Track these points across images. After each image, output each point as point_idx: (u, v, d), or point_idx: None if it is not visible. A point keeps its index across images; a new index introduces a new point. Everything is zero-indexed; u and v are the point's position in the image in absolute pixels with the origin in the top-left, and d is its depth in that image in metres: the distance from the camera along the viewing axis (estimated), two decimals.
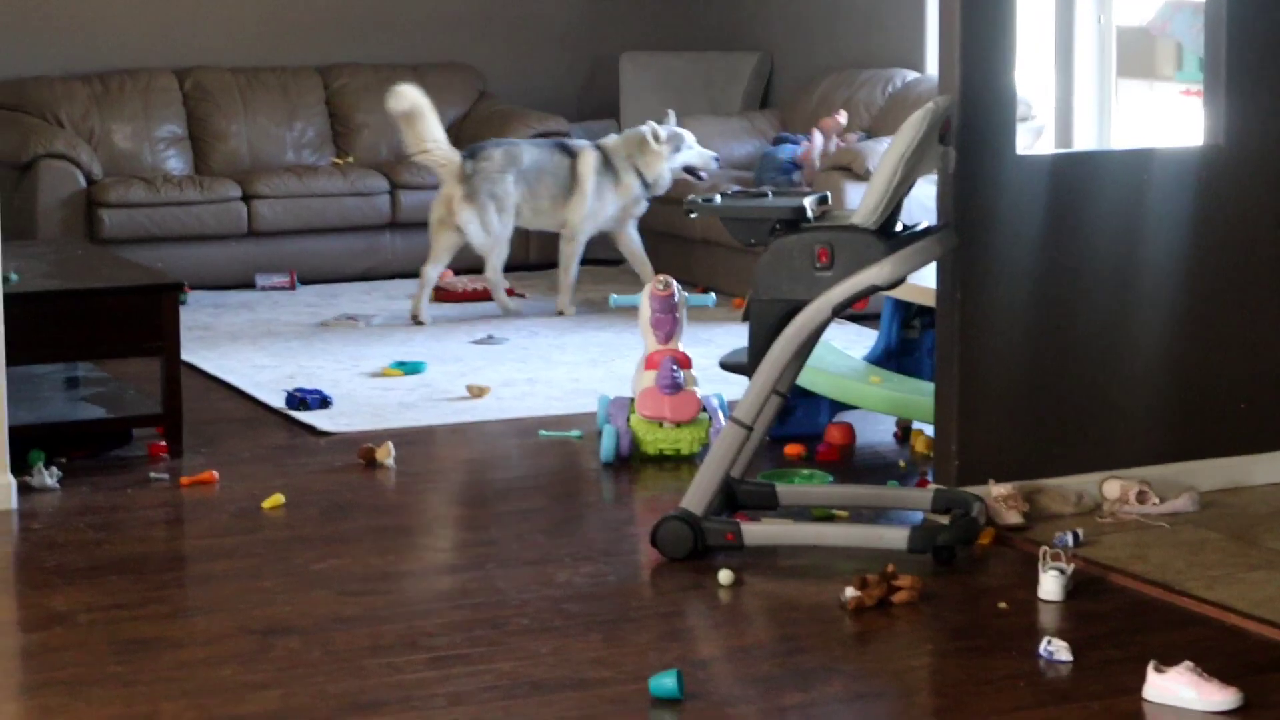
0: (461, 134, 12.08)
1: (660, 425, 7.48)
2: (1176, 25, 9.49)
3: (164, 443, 7.63)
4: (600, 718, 4.92)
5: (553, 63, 13.01)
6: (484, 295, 10.74)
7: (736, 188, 9.53)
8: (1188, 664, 5.01)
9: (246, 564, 6.08)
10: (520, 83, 12.77)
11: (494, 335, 10.00)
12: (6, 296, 6.94)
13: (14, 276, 7.31)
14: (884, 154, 6.34)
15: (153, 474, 7.35)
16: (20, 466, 7.05)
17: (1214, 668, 5.03)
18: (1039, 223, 6.70)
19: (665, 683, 5.01)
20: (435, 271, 10.61)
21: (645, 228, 11.44)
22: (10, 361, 6.91)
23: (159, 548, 6.45)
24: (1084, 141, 9.94)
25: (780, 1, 12.42)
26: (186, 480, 7.20)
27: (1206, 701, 4.93)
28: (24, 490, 7.01)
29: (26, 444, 7.18)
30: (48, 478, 7.17)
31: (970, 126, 6.54)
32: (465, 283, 10.97)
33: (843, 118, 10.91)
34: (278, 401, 8.43)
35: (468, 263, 11.35)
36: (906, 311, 7.92)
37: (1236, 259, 6.96)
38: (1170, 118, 9.60)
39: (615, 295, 9.98)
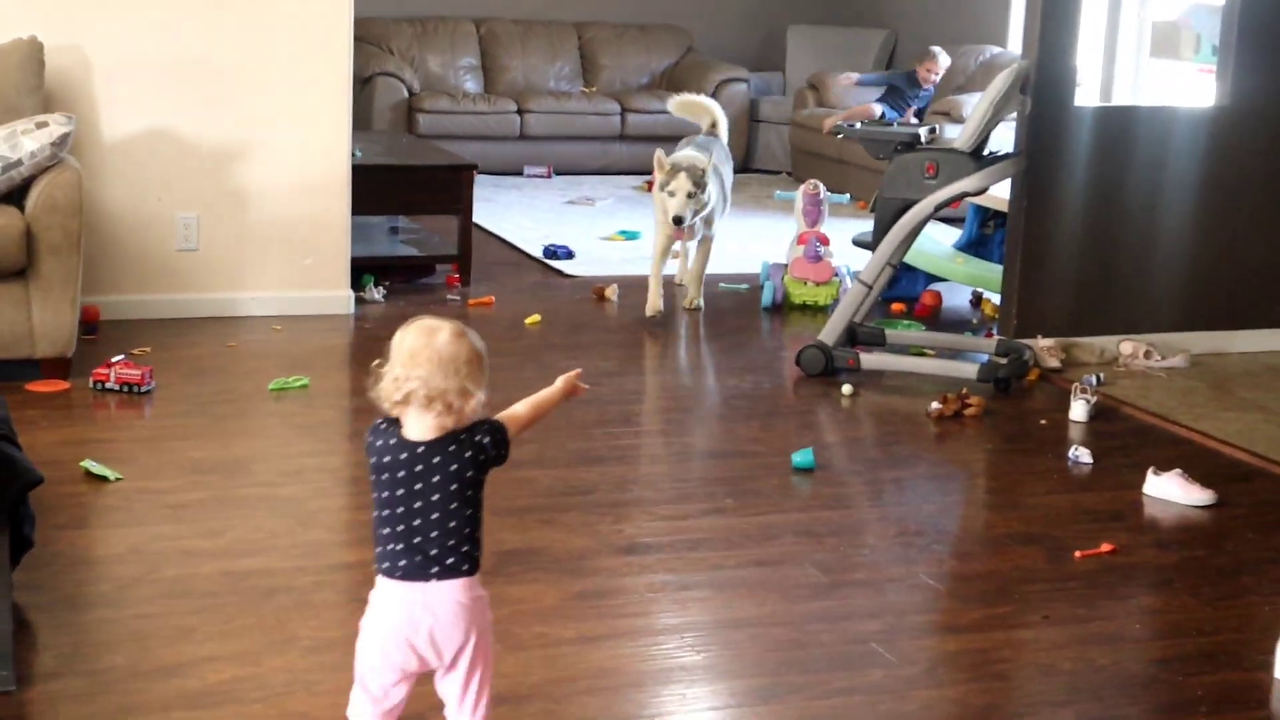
0: (673, 77, 12.02)
1: (805, 284, 7.44)
2: (1197, 20, 9.25)
3: (457, 275, 7.69)
4: (756, 477, 4.93)
5: (741, 29, 12.87)
6: None
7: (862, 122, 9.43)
8: (1177, 471, 4.95)
9: (513, 360, 6.13)
10: (716, 41, 12.65)
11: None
12: (354, 167, 7.00)
13: (358, 153, 7.36)
14: (979, 98, 6.27)
15: (449, 296, 7.41)
16: (357, 285, 7.14)
17: (1196, 475, 4.96)
18: (1087, 154, 6.59)
19: (803, 457, 5.02)
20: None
21: (797, 146, 11.40)
22: (355, 212, 6.98)
23: None
24: (1122, 101, 9.72)
25: None
26: (473, 302, 7.26)
27: (1189, 498, 4.87)
28: (359, 301, 7.10)
29: (361, 270, 7.26)
30: (376, 294, 7.25)
31: (1042, 83, 6.44)
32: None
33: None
34: (537, 252, 8.45)
35: None
36: (985, 214, 7.81)
37: (1231, 187, 6.83)
38: (1188, 89, 9.36)
39: (779, 191, 9.87)
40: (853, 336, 6.41)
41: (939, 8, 11.87)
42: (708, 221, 7.09)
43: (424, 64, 11.59)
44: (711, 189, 6.90)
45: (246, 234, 6.77)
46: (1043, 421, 5.75)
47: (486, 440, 2.80)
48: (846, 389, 5.97)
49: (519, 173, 11.25)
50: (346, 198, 6.91)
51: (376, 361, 2.82)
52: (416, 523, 2.76)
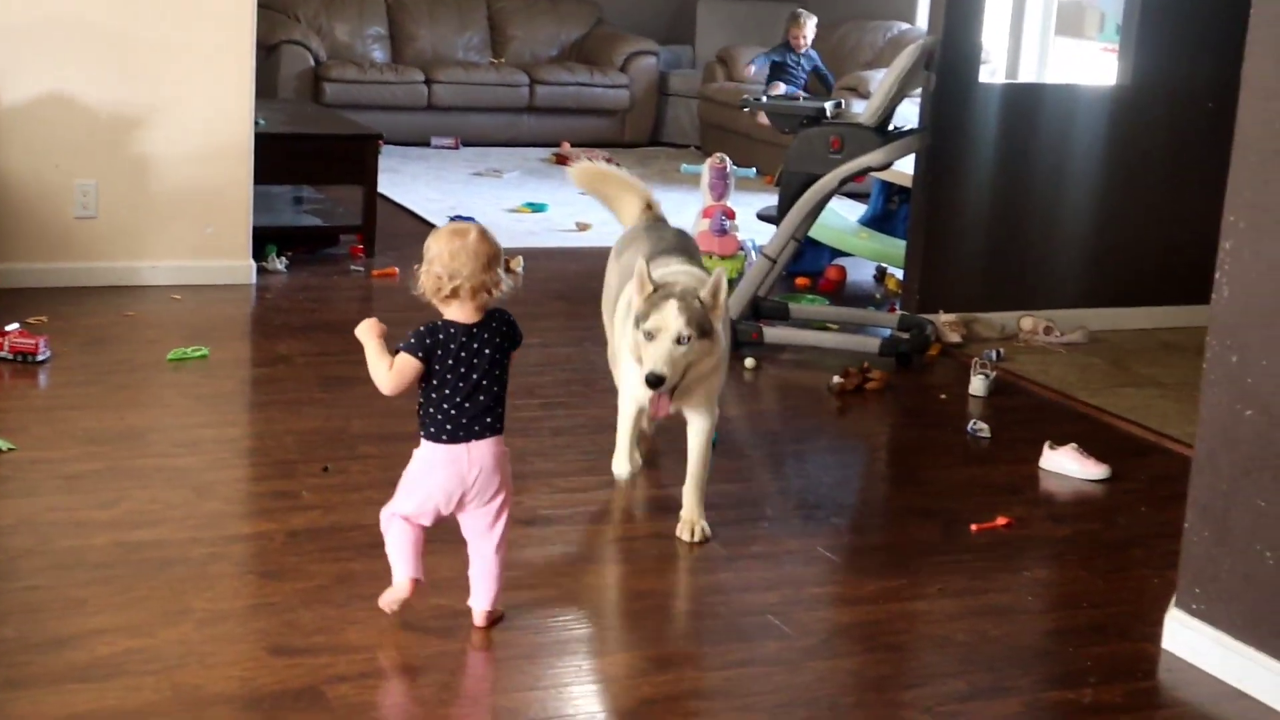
0: (583, 49, 11.99)
1: (710, 257, 7.44)
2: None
3: (361, 246, 7.64)
4: (656, 449, 4.93)
5: (651, 1, 12.85)
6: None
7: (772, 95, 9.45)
8: (1073, 445, 5.01)
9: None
10: (626, 13, 12.62)
11: None
12: (258, 135, 6.93)
13: (262, 121, 7.29)
14: (885, 73, 6.30)
15: (352, 267, 7.37)
16: (259, 255, 7.08)
17: (1092, 450, 5.03)
18: (992, 131, 6.65)
19: None
20: None
21: (706, 120, 11.39)
22: (258, 181, 6.92)
23: (355, 315, 6.43)
24: (1027, 78, 9.80)
25: None
26: (377, 273, 7.22)
27: (1085, 471, 4.93)
28: (261, 272, 7.04)
29: (264, 240, 7.20)
30: (278, 264, 7.20)
31: (947, 59, 6.49)
32: (582, 153, 10.88)
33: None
34: (442, 223, 8.35)
35: (589, 140, 11.32)
36: (889, 189, 7.87)
37: (1132, 165, 6.91)
38: (1093, 68, 9.45)
39: (685, 164, 9.88)
40: (756, 310, 6.44)
41: None
42: (705, 391, 4.23)
43: (331, 32, 11.49)
44: (718, 329, 4.13)
45: (146, 202, 6.69)
46: (943, 396, 5.80)
47: (510, 323, 3.55)
48: (749, 362, 6.00)
49: (426, 143, 11.20)
50: (249, 166, 6.84)
51: (415, 266, 3.50)
52: (471, 391, 3.46)
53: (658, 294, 4.03)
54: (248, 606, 3.70)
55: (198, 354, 5.68)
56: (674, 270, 4.29)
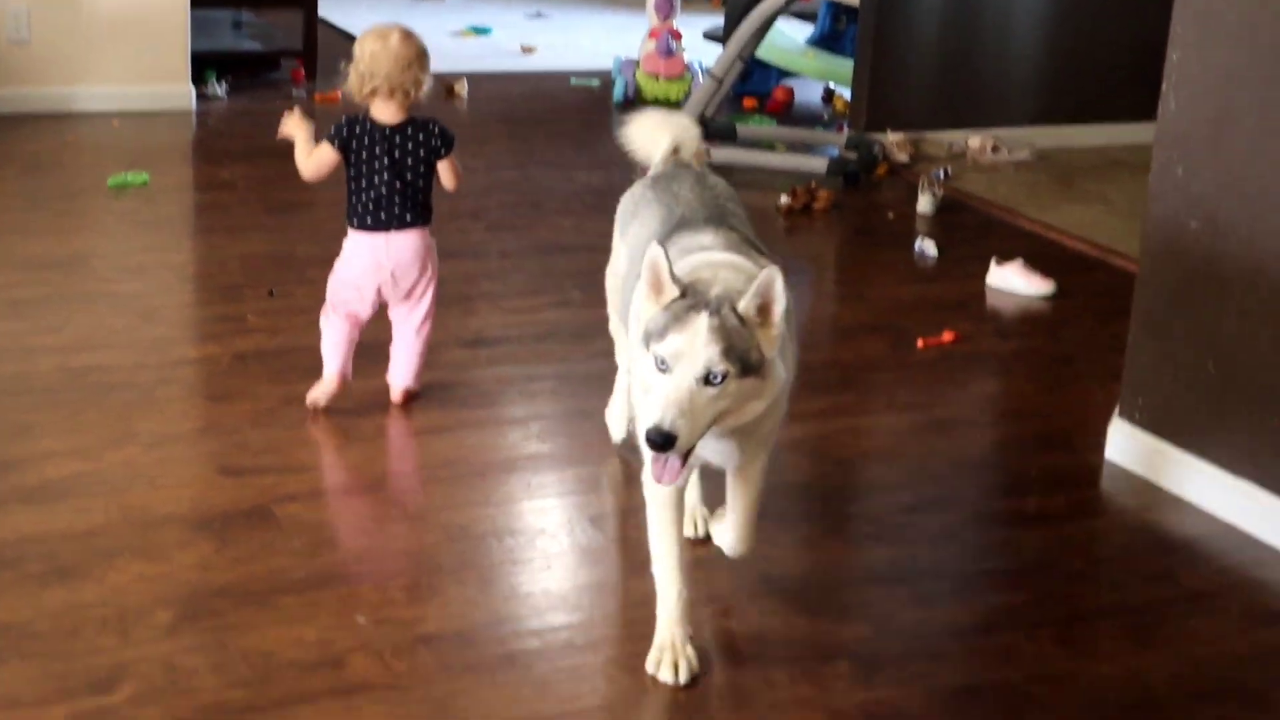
0: None
1: (657, 79, 7.39)
2: None
3: (302, 70, 7.53)
4: (604, 270, 4.91)
5: None
6: None
7: None
8: (1020, 261, 5.02)
9: None
10: None
11: (542, 12, 9.82)
12: None
13: None
14: None
15: (294, 92, 7.28)
16: (199, 80, 6.97)
17: (1038, 266, 5.04)
18: None
19: None
20: None
21: None
22: (195, 5, 6.80)
23: None
24: None
25: None
26: (319, 97, 7.12)
27: (1031, 287, 4.95)
28: (201, 97, 6.94)
29: (203, 65, 7.09)
30: (218, 90, 7.10)
31: None
32: None
33: None
34: None
35: None
36: (837, 9, 7.79)
37: None
38: None
39: None
40: (704, 131, 6.39)
41: None
42: (757, 441, 2.82)
43: None
44: (772, 358, 2.62)
45: (81, 26, 6.56)
46: (890, 215, 5.80)
47: (438, 133, 3.69)
48: None
49: None
50: None
51: (343, 64, 3.71)
52: (389, 185, 3.64)
53: (681, 303, 2.57)
54: (195, 429, 3.69)
55: (139, 180, 5.61)
56: (709, 261, 2.77)
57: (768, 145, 6.55)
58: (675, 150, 3.44)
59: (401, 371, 3.82)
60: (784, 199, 5.71)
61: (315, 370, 3.84)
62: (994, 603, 3.08)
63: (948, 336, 4.50)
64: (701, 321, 2.52)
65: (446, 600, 2.96)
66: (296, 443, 3.60)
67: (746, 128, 6.63)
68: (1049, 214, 5.84)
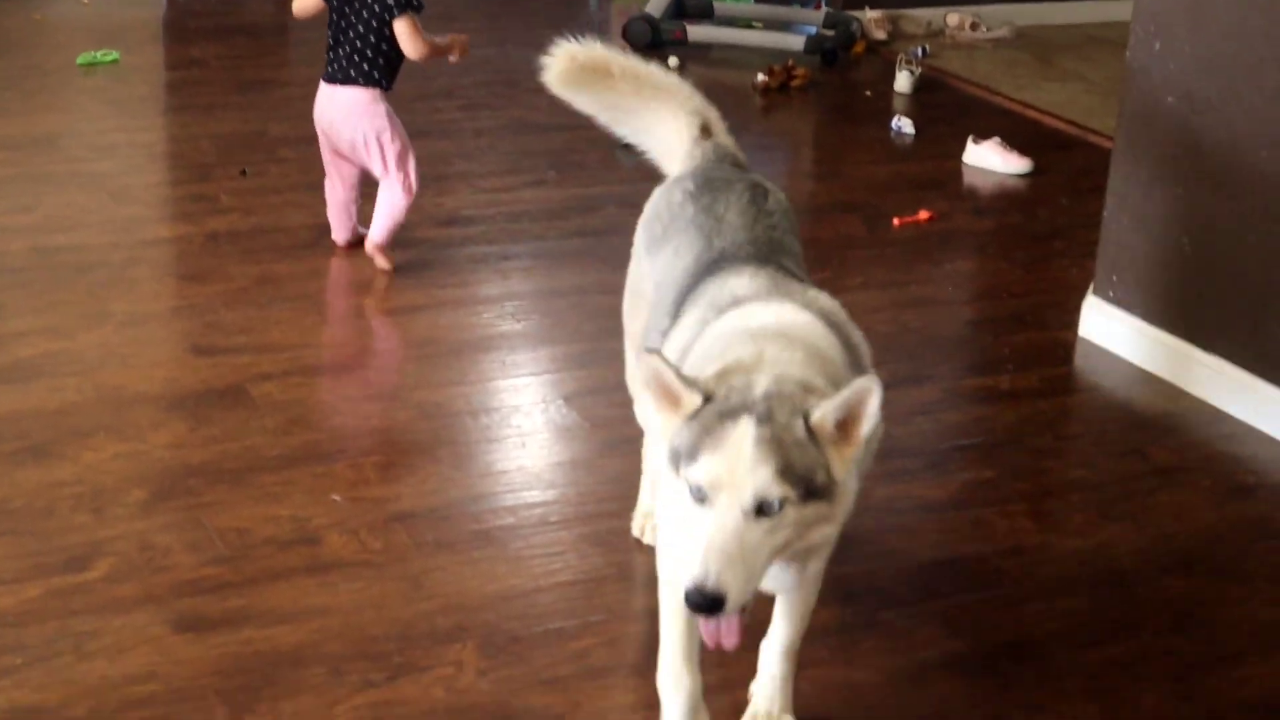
0: None
1: None
2: None
3: None
4: (579, 149, 4.87)
5: None
6: None
7: None
8: (997, 138, 5.01)
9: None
10: None
11: None
12: None
13: None
14: None
15: None
16: None
17: (1015, 144, 5.02)
18: None
19: None
20: None
21: None
22: None
23: (271, 20, 6.32)
24: None
25: None
26: None
27: (1008, 165, 4.94)
28: None
29: None
30: None
31: None
32: None
33: None
34: None
35: None
36: None
37: None
38: None
39: None
40: (680, 9, 6.34)
41: None
42: (824, 552, 2.18)
43: None
44: (843, 479, 1.94)
45: None
46: (868, 93, 5.77)
47: None
48: (673, 61, 5.91)
49: None
50: None
51: None
52: (342, 37, 3.80)
53: (712, 409, 1.90)
54: (169, 309, 3.68)
55: (108, 58, 5.55)
56: (746, 329, 2.07)
57: (745, 23, 6.49)
58: (704, 129, 2.71)
59: (375, 228, 3.92)
60: (761, 77, 5.67)
61: (289, 250, 3.83)
62: (966, 478, 3.10)
63: (924, 215, 4.49)
64: (745, 433, 1.85)
65: (422, 478, 2.97)
66: (270, 322, 3.59)
67: (724, 5, 6.56)
68: (1027, 92, 5.81)
